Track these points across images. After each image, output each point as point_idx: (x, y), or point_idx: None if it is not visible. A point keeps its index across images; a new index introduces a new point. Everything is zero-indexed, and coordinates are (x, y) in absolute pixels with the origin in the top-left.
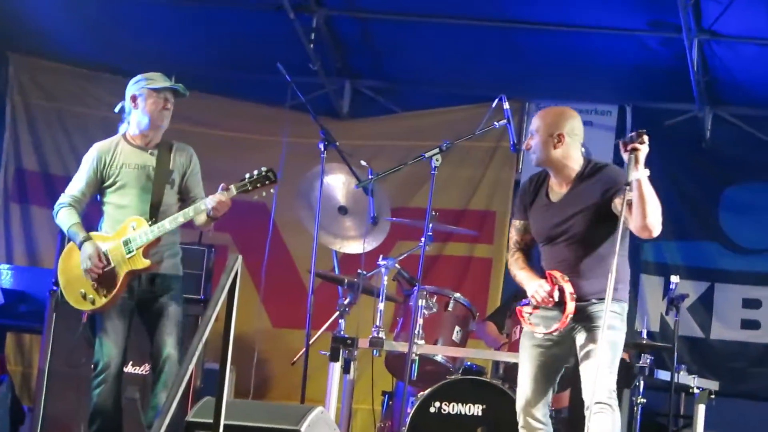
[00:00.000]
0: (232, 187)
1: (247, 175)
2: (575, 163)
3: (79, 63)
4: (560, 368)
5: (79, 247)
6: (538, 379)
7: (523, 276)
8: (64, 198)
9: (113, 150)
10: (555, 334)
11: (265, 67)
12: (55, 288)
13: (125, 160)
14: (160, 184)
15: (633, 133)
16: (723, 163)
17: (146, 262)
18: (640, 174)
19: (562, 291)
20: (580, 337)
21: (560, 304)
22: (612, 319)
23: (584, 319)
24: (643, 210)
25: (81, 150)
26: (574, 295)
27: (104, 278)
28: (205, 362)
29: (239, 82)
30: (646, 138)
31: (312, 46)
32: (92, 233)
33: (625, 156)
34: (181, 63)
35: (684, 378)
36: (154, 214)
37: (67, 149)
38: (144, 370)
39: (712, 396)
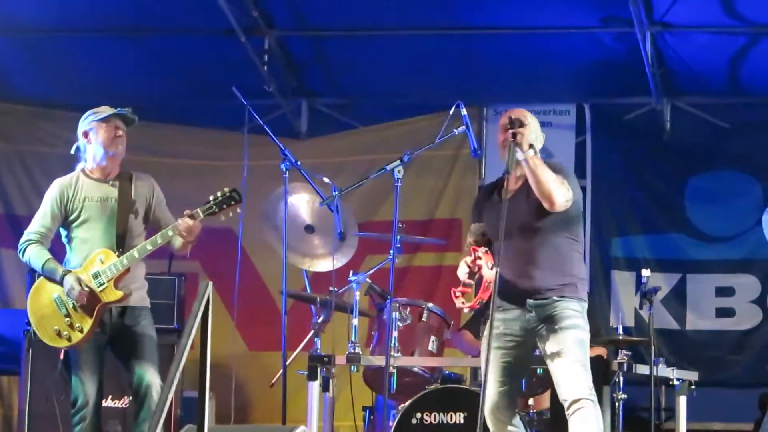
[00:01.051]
0: (198, 210)
1: (211, 197)
2: None
3: (35, 102)
4: (525, 369)
5: (61, 282)
6: (502, 381)
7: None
8: (29, 234)
9: (74, 185)
10: (503, 329)
11: (221, 93)
12: (29, 328)
13: (87, 193)
14: (124, 215)
15: (511, 119)
16: (685, 153)
17: (119, 294)
18: (526, 154)
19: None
20: (547, 340)
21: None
22: (575, 318)
23: (546, 319)
24: (536, 183)
25: (44, 189)
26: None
27: (79, 313)
28: (183, 390)
29: (196, 110)
30: (527, 119)
31: (266, 67)
32: None
33: (503, 149)
34: (136, 94)
35: (663, 371)
36: (121, 244)
37: (30, 189)
38: (123, 403)
39: (693, 387)
